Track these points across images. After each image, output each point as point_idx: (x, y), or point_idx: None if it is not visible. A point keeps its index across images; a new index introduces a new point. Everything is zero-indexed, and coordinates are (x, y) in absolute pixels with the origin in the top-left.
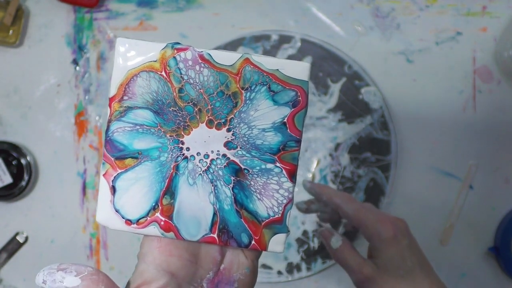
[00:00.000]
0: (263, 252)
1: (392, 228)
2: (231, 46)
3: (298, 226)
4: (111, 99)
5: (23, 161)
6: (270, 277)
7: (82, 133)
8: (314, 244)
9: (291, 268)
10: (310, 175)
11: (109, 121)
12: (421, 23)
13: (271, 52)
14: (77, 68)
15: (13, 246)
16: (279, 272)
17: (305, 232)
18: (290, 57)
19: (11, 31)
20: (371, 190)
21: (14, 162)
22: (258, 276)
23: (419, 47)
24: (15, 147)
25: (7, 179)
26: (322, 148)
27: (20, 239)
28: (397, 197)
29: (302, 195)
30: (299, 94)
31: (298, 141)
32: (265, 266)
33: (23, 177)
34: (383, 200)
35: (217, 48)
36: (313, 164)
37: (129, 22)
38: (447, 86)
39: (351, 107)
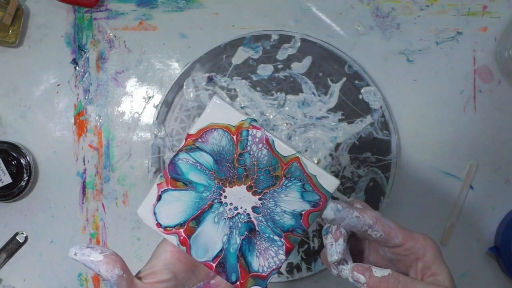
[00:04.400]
0: None
1: (436, 245)
2: (231, 45)
3: None
4: (189, 135)
5: (22, 161)
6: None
7: (81, 133)
8: (314, 244)
9: (291, 268)
10: None
11: (180, 150)
12: (421, 23)
13: (271, 51)
14: (77, 68)
15: (13, 246)
16: (279, 272)
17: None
18: (290, 57)
19: (10, 31)
20: (371, 190)
21: (13, 162)
22: None
23: (419, 47)
24: (14, 147)
25: (7, 179)
26: (322, 148)
27: (20, 239)
28: (397, 197)
29: None
30: (321, 199)
31: (304, 231)
32: None
33: (22, 177)
34: (383, 200)
35: (217, 47)
36: None
37: (129, 22)
38: (447, 86)
39: (351, 107)
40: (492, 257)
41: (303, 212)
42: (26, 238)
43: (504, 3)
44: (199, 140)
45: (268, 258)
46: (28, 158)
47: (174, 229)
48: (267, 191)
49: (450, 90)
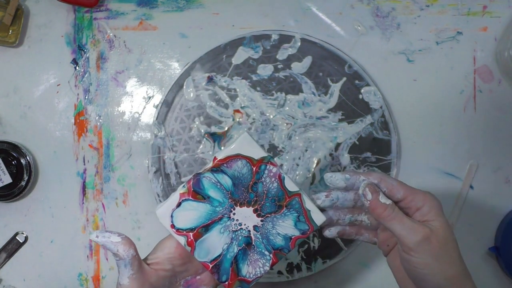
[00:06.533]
0: None
1: (437, 201)
2: (231, 45)
3: None
4: (216, 158)
5: (22, 161)
6: (270, 277)
7: (81, 133)
8: (314, 244)
9: (291, 268)
10: (309, 175)
11: (206, 170)
12: (422, 23)
13: (271, 51)
14: (77, 68)
15: (13, 246)
16: (279, 272)
17: None
18: (290, 57)
19: (10, 31)
20: None
21: (13, 162)
22: None
23: (419, 47)
24: (14, 147)
25: (7, 179)
26: (322, 148)
27: (20, 239)
28: None
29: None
30: (309, 229)
31: (289, 251)
32: None
33: (22, 177)
34: None
35: (217, 47)
36: (313, 164)
37: (129, 22)
38: (448, 86)
39: (351, 107)
40: (492, 257)
41: (292, 237)
42: (26, 238)
43: (504, 3)
44: (225, 165)
45: (256, 267)
46: (28, 158)
47: (185, 232)
48: (269, 215)
49: (450, 90)
